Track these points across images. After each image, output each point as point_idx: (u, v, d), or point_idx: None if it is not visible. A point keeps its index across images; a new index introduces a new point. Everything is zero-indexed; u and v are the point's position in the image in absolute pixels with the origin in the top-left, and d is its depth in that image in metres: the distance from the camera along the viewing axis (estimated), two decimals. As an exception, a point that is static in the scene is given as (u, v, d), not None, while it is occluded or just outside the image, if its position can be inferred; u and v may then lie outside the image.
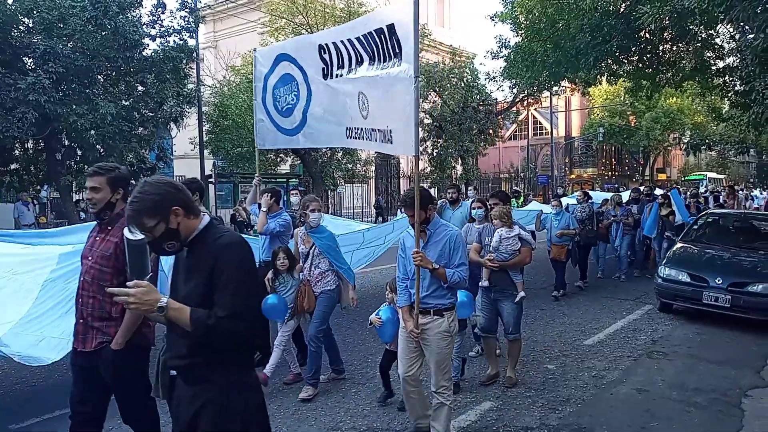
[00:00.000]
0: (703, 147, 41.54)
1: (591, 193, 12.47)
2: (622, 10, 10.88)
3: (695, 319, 7.83)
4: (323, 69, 5.08)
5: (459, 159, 28.30)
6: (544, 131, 46.25)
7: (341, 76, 4.85)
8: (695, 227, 9.71)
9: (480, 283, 5.51)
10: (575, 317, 8.14)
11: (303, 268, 5.33)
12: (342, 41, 4.65)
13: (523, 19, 13.00)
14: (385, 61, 4.20)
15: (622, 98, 35.70)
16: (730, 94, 15.34)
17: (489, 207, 5.79)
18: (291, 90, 5.53)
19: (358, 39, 4.47)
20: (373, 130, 4.53)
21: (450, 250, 3.95)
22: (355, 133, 4.87)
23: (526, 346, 6.66)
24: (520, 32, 13.79)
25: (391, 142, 4.24)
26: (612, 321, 7.90)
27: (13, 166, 15.47)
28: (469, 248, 5.34)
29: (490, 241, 5.39)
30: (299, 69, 5.46)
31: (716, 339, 7.13)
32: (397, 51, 4.05)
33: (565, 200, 12.17)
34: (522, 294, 5.33)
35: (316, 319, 5.17)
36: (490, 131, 28.81)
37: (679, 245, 9.06)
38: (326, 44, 4.93)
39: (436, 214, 4.07)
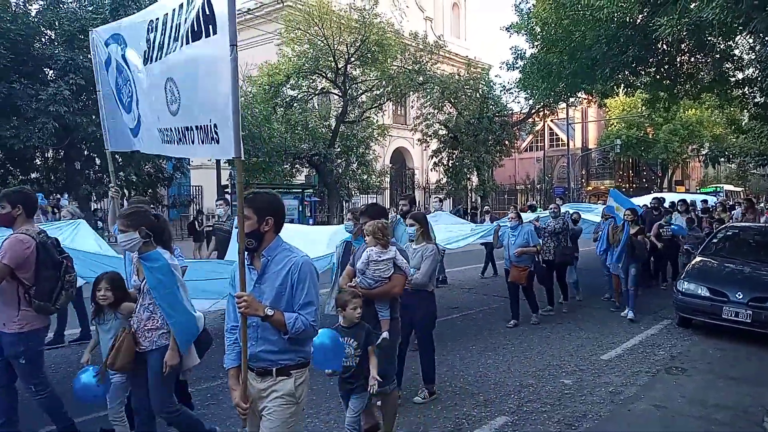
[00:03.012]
0: (722, 159, 41.10)
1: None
2: (638, 21, 10.81)
3: (715, 334, 7.67)
4: (145, 52, 3.89)
5: (475, 170, 28.28)
6: (560, 143, 46.06)
7: (158, 59, 3.71)
8: (714, 241, 9.56)
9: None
10: (592, 332, 8.02)
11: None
12: (174, 9, 3.49)
13: (538, 30, 12.97)
14: (201, 32, 3.16)
15: (639, 110, 35.48)
16: (749, 106, 15.16)
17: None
18: (125, 80, 4.35)
19: (184, 5, 3.35)
20: (187, 129, 3.43)
21: (292, 285, 2.79)
22: (167, 135, 3.75)
23: (541, 360, 6.59)
24: (535, 43, 13.75)
25: (218, 142, 3.16)
26: (629, 336, 7.77)
27: (33, 176, 15.73)
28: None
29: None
30: (122, 54, 4.33)
31: (737, 355, 6.99)
32: (211, 16, 3.05)
33: (530, 215, 10.55)
34: (384, 335, 4.13)
35: (154, 389, 3.68)
36: (506, 142, 28.78)
37: (698, 259, 8.91)
38: (156, 18, 3.74)
39: (279, 236, 2.92)
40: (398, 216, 6.42)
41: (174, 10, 3.48)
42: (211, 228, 10.64)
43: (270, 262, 2.85)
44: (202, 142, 3.31)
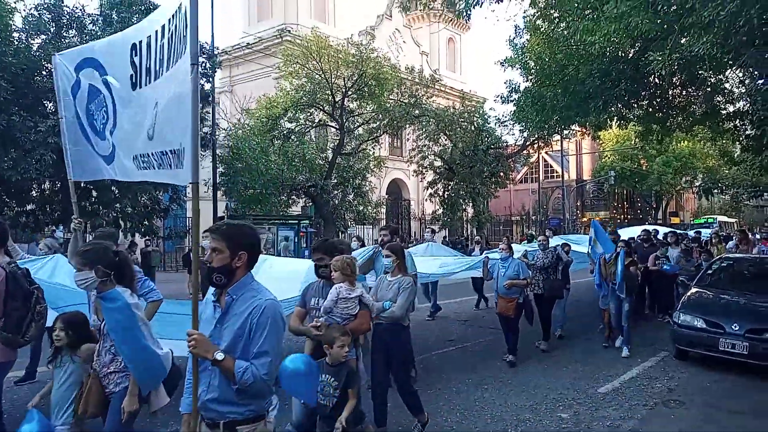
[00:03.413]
0: (715, 191, 41.43)
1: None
2: (630, 56, 11.02)
3: (712, 366, 7.62)
4: (131, 76, 3.80)
5: (470, 201, 28.42)
6: (555, 174, 46.41)
7: (148, 83, 3.65)
8: (709, 272, 9.57)
9: None
10: (588, 364, 7.96)
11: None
12: (157, 31, 3.45)
13: (532, 64, 13.21)
14: (180, 54, 3.12)
15: (632, 142, 35.89)
16: (741, 138, 15.35)
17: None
18: (101, 106, 4.24)
19: (166, 27, 3.35)
20: (163, 153, 3.35)
21: (251, 330, 2.52)
22: (143, 161, 3.68)
23: (538, 393, 6.53)
24: (529, 77, 13.99)
25: (182, 167, 3.09)
26: (626, 368, 7.72)
27: (29, 207, 15.72)
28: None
29: (318, 303, 4.18)
30: (102, 79, 4.20)
31: (735, 388, 6.93)
32: (184, 36, 3.02)
33: (520, 247, 10.46)
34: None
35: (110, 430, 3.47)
36: (501, 174, 29.01)
37: (693, 290, 8.91)
38: (140, 42, 3.69)
39: (250, 274, 2.68)
40: (380, 248, 6.15)
41: (156, 31, 3.45)
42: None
43: (234, 302, 2.60)
44: (175, 166, 3.24)
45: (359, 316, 4.13)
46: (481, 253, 10.97)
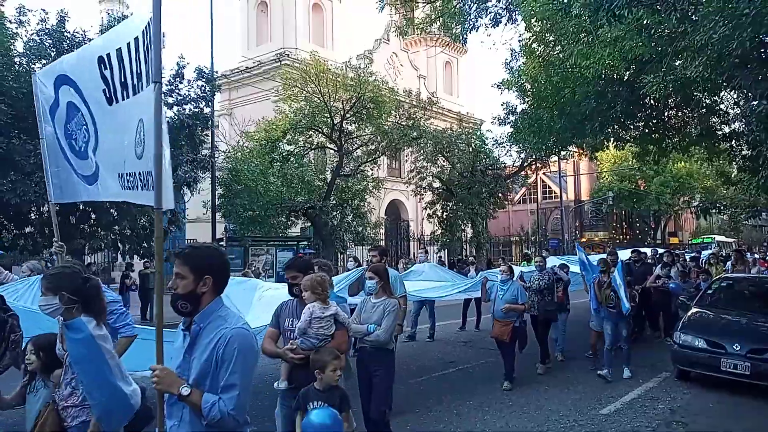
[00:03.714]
0: (713, 211, 41.58)
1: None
2: (626, 78, 11.15)
3: (714, 387, 7.56)
4: (105, 91, 3.62)
5: (469, 222, 28.48)
6: (553, 195, 46.57)
7: (126, 97, 3.47)
8: (709, 292, 9.55)
9: (276, 385, 4.02)
10: (590, 385, 7.91)
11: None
12: (129, 43, 3.30)
13: (528, 86, 13.35)
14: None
15: (629, 162, 36.07)
16: (737, 159, 15.46)
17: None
18: (80, 124, 4.03)
19: (140, 40, 3.20)
20: (149, 173, 3.19)
21: (217, 362, 2.36)
22: (129, 181, 3.51)
23: (540, 416, 6.48)
24: (526, 99, 14.13)
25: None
26: (628, 389, 7.66)
27: (28, 230, 15.72)
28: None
29: (292, 324, 4.03)
30: (79, 95, 3.98)
31: (738, 408, 6.89)
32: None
33: (517, 269, 10.13)
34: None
35: None
36: (499, 195, 29.11)
37: (694, 310, 8.88)
38: (107, 54, 3.53)
39: (221, 298, 2.55)
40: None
41: (129, 44, 3.28)
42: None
43: (202, 331, 2.43)
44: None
45: (336, 336, 3.96)
46: (476, 275, 10.90)
